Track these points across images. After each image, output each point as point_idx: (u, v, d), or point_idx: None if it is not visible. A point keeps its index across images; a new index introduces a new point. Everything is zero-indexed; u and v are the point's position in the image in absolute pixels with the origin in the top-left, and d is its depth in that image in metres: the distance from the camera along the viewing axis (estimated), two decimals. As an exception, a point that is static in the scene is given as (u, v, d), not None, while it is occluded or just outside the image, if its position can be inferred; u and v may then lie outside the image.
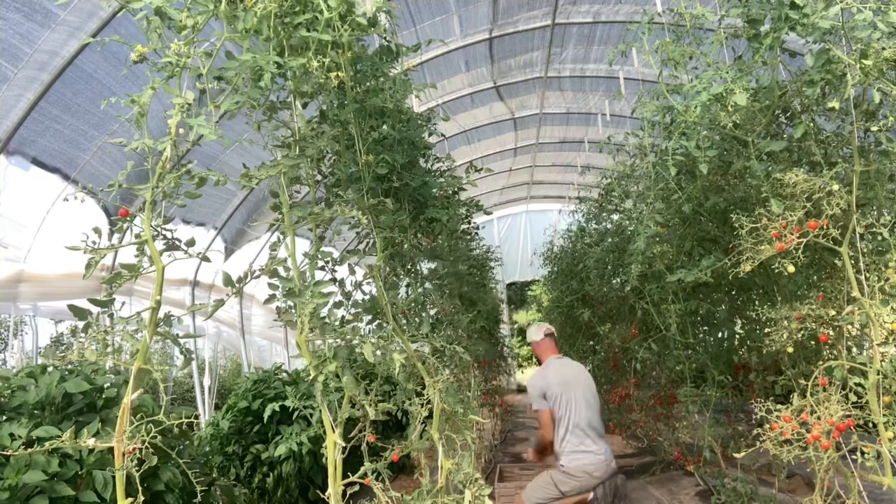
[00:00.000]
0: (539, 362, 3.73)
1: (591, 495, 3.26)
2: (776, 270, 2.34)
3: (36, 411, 2.90)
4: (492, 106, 9.24)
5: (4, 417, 2.82)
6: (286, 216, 2.02)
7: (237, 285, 1.94)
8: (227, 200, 7.34)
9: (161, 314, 1.73)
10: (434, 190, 2.65)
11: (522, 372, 14.55)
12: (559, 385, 3.38)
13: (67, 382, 2.93)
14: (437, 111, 7.90)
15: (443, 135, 3.13)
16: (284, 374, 5.33)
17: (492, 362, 6.08)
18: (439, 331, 2.87)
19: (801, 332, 2.57)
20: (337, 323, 2.04)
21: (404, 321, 2.38)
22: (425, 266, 3.24)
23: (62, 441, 1.68)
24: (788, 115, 2.75)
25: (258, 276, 1.99)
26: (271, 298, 2.00)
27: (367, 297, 2.26)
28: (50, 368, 3.09)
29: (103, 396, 3.06)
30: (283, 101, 2.08)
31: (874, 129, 2.39)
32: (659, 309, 3.64)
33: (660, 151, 2.90)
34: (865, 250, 2.41)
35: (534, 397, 3.46)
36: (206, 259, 1.94)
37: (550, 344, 3.64)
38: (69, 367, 3.20)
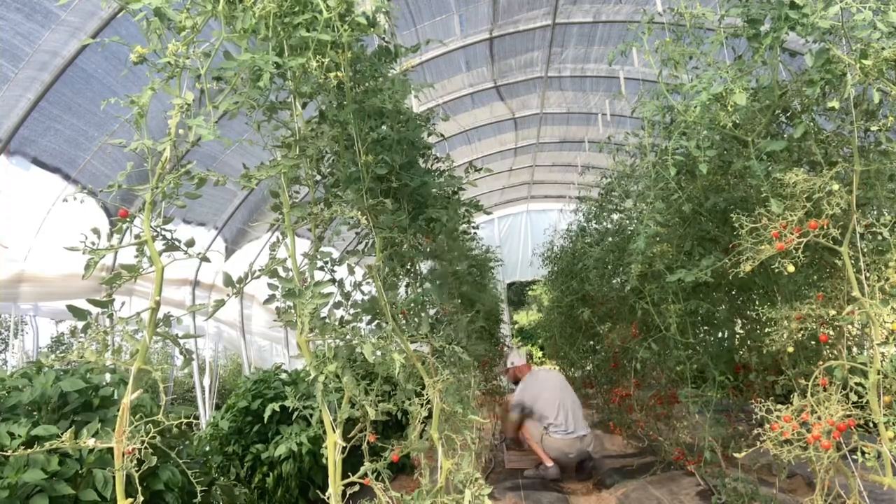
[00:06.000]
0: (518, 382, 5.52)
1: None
2: (776, 270, 2.34)
3: (32, 411, 2.90)
4: (492, 106, 9.23)
5: (0, 418, 2.82)
6: (286, 216, 2.02)
7: (237, 285, 1.94)
8: (227, 200, 7.34)
9: (161, 314, 1.73)
10: (433, 190, 2.65)
11: (523, 372, 14.50)
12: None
13: (63, 381, 2.92)
14: (438, 111, 7.89)
15: (442, 135, 3.13)
16: (284, 375, 5.33)
17: (492, 362, 6.08)
18: (439, 331, 2.87)
19: (802, 331, 2.56)
20: (337, 323, 2.04)
21: (404, 321, 2.38)
22: (425, 266, 3.24)
23: (62, 441, 1.68)
24: (788, 114, 2.74)
25: (258, 277, 1.99)
26: (271, 299, 2.01)
27: (366, 298, 2.26)
28: (45, 368, 3.09)
29: (99, 395, 3.06)
30: (282, 101, 2.08)
31: (874, 128, 2.39)
32: (659, 309, 3.64)
33: (660, 151, 2.90)
34: (865, 250, 2.41)
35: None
36: (206, 259, 1.94)
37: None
38: (66, 366, 3.20)
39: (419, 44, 2.39)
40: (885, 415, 2.22)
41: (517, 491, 4.77)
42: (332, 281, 2.06)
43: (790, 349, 2.65)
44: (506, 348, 6.37)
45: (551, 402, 5.09)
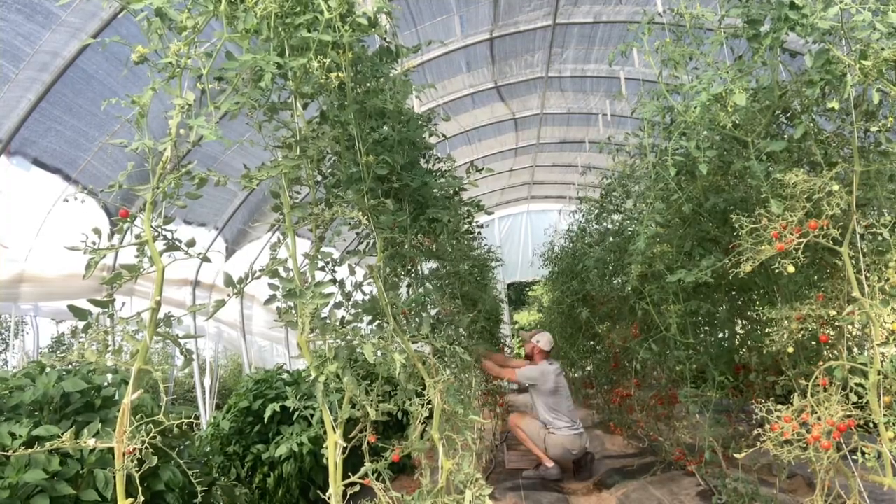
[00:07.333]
0: (529, 358, 5.39)
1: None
2: (776, 271, 2.34)
3: (35, 411, 2.90)
4: (493, 106, 9.23)
5: (3, 418, 2.82)
6: (287, 217, 2.03)
7: (238, 286, 1.94)
8: (228, 201, 7.34)
9: (162, 314, 1.73)
10: (434, 190, 2.65)
11: (523, 372, 14.46)
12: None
13: (65, 382, 2.93)
14: (438, 111, 7.90)
15: (443, 135, 3.13)
16: (285, 375, 5.33)
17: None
18: (440, 331, 2.88)
19: (802, 332, 2.57)
20: (337, 323, 2.04)
21: (405, 322, 2.38)
22: (426, 266, 3.24)
23: (63, 441, 1.68)
24: (788, 115, 2.75)
25: (259, 277, 1.99)
26: (272, 299, 2.01)
27: (367, 298, 2.26)
28: (48, 368, 3.09)
29: (101, 395, 3.06)
30: (283, 101, 2.08)
31: (874, 129, 2.40)
32: (659, 309, 3.64)
33: (660, 152, 2.90)
34: (866, 250, 2.41)
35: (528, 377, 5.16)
36: (206, 259, 1.94)
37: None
38: (68, 366, 3.20)
39: (420, 44, 2.39)
40: (885, 415, 2.23)
41: (517, 491, 4.77)
42: (333, 281, 2.06)
43: (790, 349, 2.65)
44: (506, 349, 6.39)
45: (566, 397, 5.21)
